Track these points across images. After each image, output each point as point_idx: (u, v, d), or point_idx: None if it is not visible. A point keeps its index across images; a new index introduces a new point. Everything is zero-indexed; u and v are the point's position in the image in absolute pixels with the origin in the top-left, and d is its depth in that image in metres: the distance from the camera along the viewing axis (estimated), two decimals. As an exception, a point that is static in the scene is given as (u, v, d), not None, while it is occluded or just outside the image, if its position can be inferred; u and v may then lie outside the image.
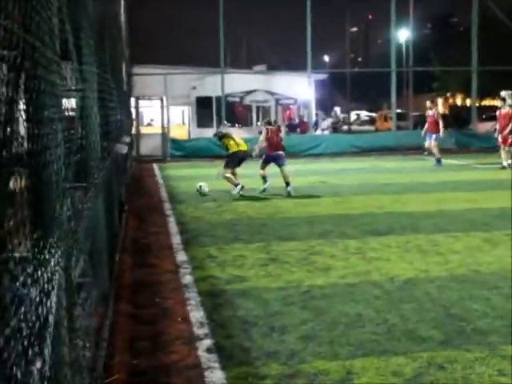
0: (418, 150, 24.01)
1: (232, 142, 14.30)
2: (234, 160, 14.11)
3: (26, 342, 1.83)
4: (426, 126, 20.69)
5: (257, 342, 4.86)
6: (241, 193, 13.39)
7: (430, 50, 57.84)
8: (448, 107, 59.35)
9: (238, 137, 15.19)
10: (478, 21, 27.72)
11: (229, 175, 13.90)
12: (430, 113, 20.74)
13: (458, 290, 6.12)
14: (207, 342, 4.87)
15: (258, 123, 34.57)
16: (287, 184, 13.49)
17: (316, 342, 4.85)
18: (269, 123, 14.69)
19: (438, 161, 19.99)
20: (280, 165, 13.90)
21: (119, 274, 6.93)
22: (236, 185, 13.60)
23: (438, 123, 20.22)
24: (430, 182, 15.23)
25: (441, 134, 20.24)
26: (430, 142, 20.40)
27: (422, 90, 57.20)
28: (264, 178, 14.01)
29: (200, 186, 13.87)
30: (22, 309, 1.80)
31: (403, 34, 44.66)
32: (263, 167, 14.10)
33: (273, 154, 14.04)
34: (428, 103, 21.27)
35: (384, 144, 25.71)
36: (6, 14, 1.69)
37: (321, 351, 4.66)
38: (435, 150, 20.21)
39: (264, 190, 13.82)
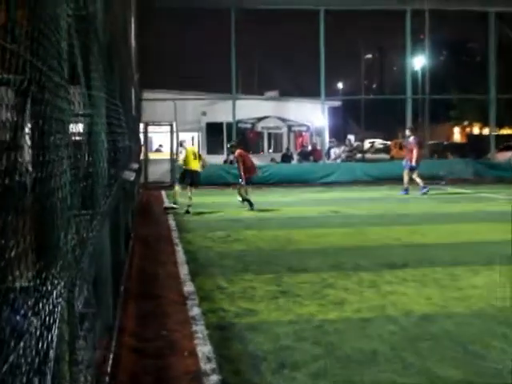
0: (435, 179, 23.95)
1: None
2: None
3: (24, 379, 1.80)
4: (406, 153, 21.09)
5: (266, 379, 4.79)
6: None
7: (446, 77, 58.02)
8: (465, 136, 59.36)
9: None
10: (495, 47, 27.83)
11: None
12: (409, 141, 21.08)
13: (478, 327, 6.02)
14: (214, 378, 4.80)
15: (270, 150, 34.69)
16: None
17: (328, 379, 4.77)
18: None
19: (406, 190, 20.37)
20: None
21: (124, 305, 6.88)
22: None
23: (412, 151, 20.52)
24: (448, 213, 15.14)
25: (413, 162, 20.47)
26: (408, 172, 20.66)
27: (438, 118, 57.25)
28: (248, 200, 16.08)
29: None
30: (22, 343, 1.77)
31: (419, 61, 44.89)
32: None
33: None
34: (407, 131, 21.62)
35: (399, 173, 25.52)
36: (13, 37, 1.69)
37: (333, 390, 4.58)
38: (405, 179, 20.52)
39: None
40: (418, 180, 20.55)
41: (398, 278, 8.13)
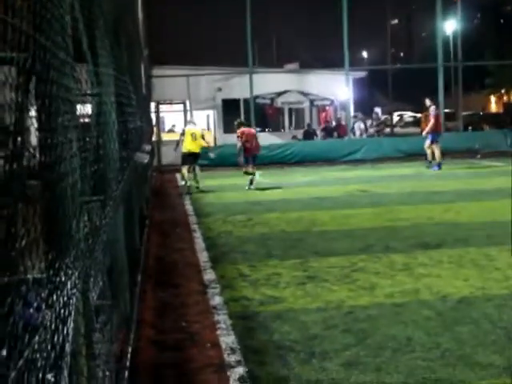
0: (470, 153, 23.75)
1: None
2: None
3: (40, 374, 1.82)
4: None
5: (294, 370, 4.81)
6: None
7: (480, 42, 57.31)
8: (502, 105, 58.69)
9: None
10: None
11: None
12: (431, 111, 21.10)
13: (519, 309, 6.00)
14: (239, 370, 4.84)
15: (291, 127, 34.58)
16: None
17: (361, 369, 4.78)
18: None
19: (438, 164, 20.50)
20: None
21: (141, 296, 6.94)
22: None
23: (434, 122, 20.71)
24: (485, 189, 15.02)
25: (423, 133, 21.03)
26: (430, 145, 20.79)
27: (472, 87, 56.60)
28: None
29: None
30: (36, 337, 1.79)
31: (450, 26, 44.33)
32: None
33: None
34: (427, 101, 21.60)
35: (431, 147, 25.43)
36: (15, 12, 1.69)
37: (366, 380, 4.60)
38: (430, 151, 20.75)
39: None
40: (429, 152, 20.84)
41: (432, 260, 8.11)
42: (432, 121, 20.70)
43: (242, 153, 17.23)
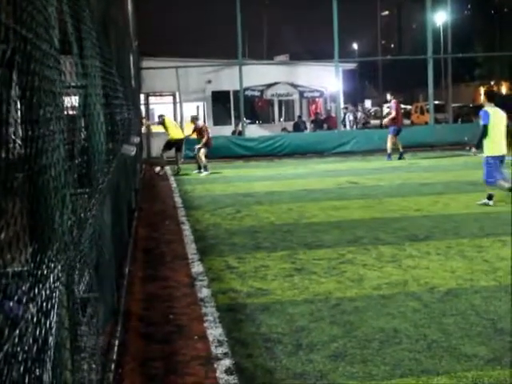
0: (459, 145, 23.80)
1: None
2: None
3: (22, 368, 1.82)
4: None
5: (281, 362, 4.83)
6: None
7: (470, 34, 57.41)
8: (492, 97, 58.71)
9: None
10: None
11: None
12: (391, 104, 22.85)
13: (507, 301, 6.03)
14: (226, 363, 4.85)
15: (281, 119, 34.55)
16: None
17: (348, 361, 4.80)
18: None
19: (389, 155, 21.61)
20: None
21: (129, 288, 6.94)
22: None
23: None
24: (474, 181, 15.04)
25: (390, 124, 22.22)
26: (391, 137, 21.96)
27: (462, 78, 56.76)
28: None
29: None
30: (17, 331, 1.78)
31: (440, 17, 44.37)
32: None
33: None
34: (388, 96, 23.04)
35: (421, 139, 25.50)
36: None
37: (353, 371, 4.62)
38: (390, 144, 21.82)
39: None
40: (389, 145, 21.81)
41: (420, 252, 8.14)
42: (393, 113, 22.04)
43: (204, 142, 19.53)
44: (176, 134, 20.03)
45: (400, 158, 21.48)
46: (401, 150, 21.68)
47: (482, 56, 53.47)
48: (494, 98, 12.26)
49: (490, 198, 11.52)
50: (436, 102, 32.18)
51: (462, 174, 16.87)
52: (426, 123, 33.44)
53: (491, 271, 7.11)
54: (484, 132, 11.47)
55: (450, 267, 7.35)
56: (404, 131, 25.41)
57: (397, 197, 12.96)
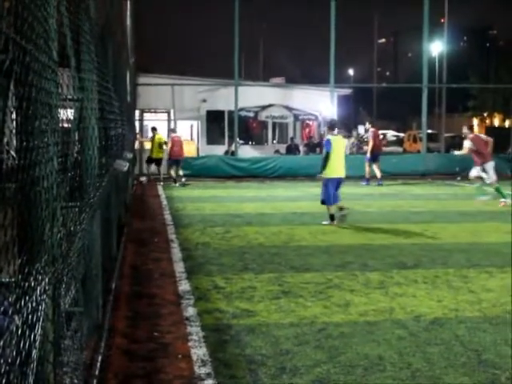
0: (451, 175, 23.92)
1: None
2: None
3: (4, 381, 1.81)
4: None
5: (265, 385, 4.80)
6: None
7: (465, 65, 57.93)
8: (485, 128, 59.18)
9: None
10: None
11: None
12: (369, 133, 23.64)
13: (491, 333, 6.03)
14: (209, 383, 4.82)
15: (274, 141, 34.63)
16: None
17: (331, 386, 4.78)
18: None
19: (367, 180, 22.62)
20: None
21: (115, 304, 6.90)
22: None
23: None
24: (464, 211, 15.13)
25: (367, 154, 23.07)
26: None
27: (456, 108, 57.17)
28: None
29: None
30: (1, 342, 1.77)
31: (436, 47, 44.78)
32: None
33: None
34: (367, 124, 24.06)
35: (412, 167, 25.64)
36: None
37: (336, 397, 4.59)
38: (369, 169, 22.80)
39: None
40: (377, 171, 22.65)
41: (407, 279, 8.14)
42: (371, 142, 22.80)
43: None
44: (157, 152, 23.18)
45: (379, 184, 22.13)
46: (378, 176, 22.49)
47: (476, 87, 53.91)
48: (334, 127, 13.84)
49: (332, 218, 12.79)
50: (429, 131, 32.39)
51: (451, 203, 16.93)
52: (419, 151, 33.61)
53: (476, 302, 7.11)
54: (327, 158, 12.86)
55: (436, 296, 7.35)
56: (396, 158, 25.60)
57: (386, 223, 12.98)
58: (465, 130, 18.12)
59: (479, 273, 8.51)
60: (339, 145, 13.03)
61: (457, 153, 18.54)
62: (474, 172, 17.37)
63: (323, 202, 13.00)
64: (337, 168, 12.86)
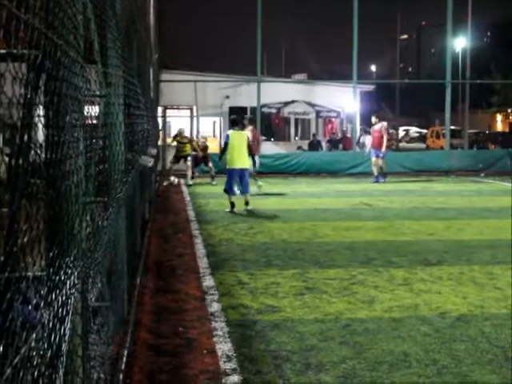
0: (475, 171, 23.72)
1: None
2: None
3: (36, 373, 1.81)
4: (371, 141, 22.45)
5: (290, 381, 4.79)
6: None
7: (489, 60, 57.40)
8: (509, 124, 58.71)
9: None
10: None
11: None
12: (375, 128, 22.33)
13: (518, 329, 5.97)
14: (234, 378, 4.82)
15: (296, 138, 34.55)
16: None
17: (356, 382, 4.76)
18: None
19: (376, 177, 21.87)
20: None
21: (140, 300, 6.93)
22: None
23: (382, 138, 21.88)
24: (489, 208, 15.00)
25: (383, 149, 21.81)
26: (376, 159, 22.01)
27: (479, 104, 56.70)
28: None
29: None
30: (34, 335, 1.78)
31: (460, 43, 44.40)
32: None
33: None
34: (373, 118, 22.70)
35: (436, 164, 25.44)
36: (28, 8, 1.69)
37: (362, 394, 4.57)
38: (375, 168, 22.06)
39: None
40: (374, 169, 22.09)
41: (432, 276, 8.08)
42: (385, 137, 21.91)
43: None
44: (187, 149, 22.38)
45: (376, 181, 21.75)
46: (375, 173, 22.03)
47: (499, 83, 53.38)
48: (237, 123, 14.86)
49: (232, 205, 14.03)
50: (452, 127, 32.14)
51: (476, 200, 16.78)
52: (442, 148, 33.37)
53: (502, 299, 7.04)
54: (224, 149, 14.50)
55: (461, 293, 7.29)
56: (419, 155, 25.36)
57: (410, 220, 12.89)
58: None
59: (505, 270, 8.43)
60: (239, 139, 14.27)
61: None
62: None
63: (226, 191, 14.35)
64: (236, 160, 14.18)
